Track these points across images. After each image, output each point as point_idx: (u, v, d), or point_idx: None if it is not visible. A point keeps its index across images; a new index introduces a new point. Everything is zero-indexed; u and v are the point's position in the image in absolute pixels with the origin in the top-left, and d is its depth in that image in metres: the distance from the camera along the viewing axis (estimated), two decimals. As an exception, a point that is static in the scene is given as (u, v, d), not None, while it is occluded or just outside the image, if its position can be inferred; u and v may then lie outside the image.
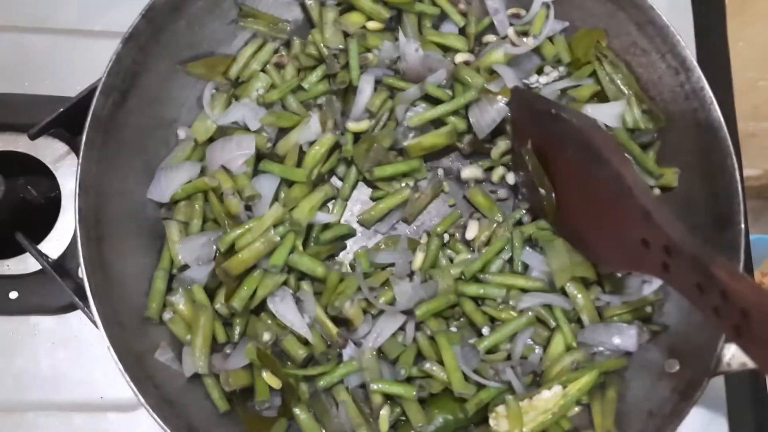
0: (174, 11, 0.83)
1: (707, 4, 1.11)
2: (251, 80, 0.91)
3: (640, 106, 0.89)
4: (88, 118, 0.76)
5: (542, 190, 0.84)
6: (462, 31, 0.94)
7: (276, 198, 0.85)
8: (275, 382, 0.79)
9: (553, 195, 0.83)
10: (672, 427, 0.74)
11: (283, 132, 0.89)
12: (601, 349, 0.84)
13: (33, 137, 0.85)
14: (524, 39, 0.92)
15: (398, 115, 0.90)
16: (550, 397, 0.80)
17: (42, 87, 0.97)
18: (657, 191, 0.89)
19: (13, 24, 1.00)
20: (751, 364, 0.68)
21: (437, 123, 0.90)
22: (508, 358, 0.84)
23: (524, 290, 0.86)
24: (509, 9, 0.93)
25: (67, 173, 0.92)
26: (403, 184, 0.91)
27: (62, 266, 0.89)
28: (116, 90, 0.79)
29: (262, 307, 0.83)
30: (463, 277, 0.87)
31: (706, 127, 0.83)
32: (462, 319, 0.87)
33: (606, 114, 0.88)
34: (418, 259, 0.87)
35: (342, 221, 0.92)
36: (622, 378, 0.84)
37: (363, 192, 0.94)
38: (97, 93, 0.76)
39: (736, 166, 0.80)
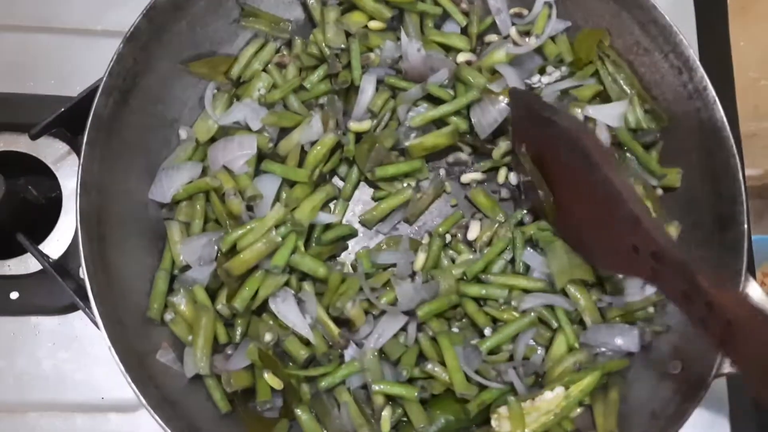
0: (176, 11, 0.83)
1: (709, 4, 1.11)
2: (253, 80, 0.91)
3: (643, 106, 0.89)
4: (90, 118, 0.76)
5: (541, 192, 0.83)
6: (464, 31, 0.94)
7: (278, 198, 0.85)
8: (277, 383, 0.78)
9: (552, 198, 0.83)
10: (675, 429, 0.74)
11: (284, 132, 0.89)
12: (603, 350, 0.83)
13: (34, 137, 0.85)
14: (526, 38, 0.92)
15: (400, 115, 0.90)
16: (552, 398, 0.79)
17: (43, 87, 0.97)
18: (660, 191, 0.89)
19: (14, 24, 1.00)
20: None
21: (439, 123, 0.90)
22: (510, 358, 0.84)
23: (526, 291, 0.86)
24: (511, 8, 0.93)
25: (68, 173, 0.92)
26: (405, 185, 0.91)
27: (63, 266, 0.89)
28: (118, 90, 0.79)
29: (264, 307, 0.82)
30: (465, 277, 0.87)
31: (709, 127, 0.83)
32: (464, 320, 0.86)
33: (608, 114, 0.88)
34: (420, 259, 0.87)
35: (344, 221, 0.92)
36: (624, 379, 0.84)
37: (365, 192, 0.94)
38: (99, 93, 0.76)
39: (739, 166, 0.80)
